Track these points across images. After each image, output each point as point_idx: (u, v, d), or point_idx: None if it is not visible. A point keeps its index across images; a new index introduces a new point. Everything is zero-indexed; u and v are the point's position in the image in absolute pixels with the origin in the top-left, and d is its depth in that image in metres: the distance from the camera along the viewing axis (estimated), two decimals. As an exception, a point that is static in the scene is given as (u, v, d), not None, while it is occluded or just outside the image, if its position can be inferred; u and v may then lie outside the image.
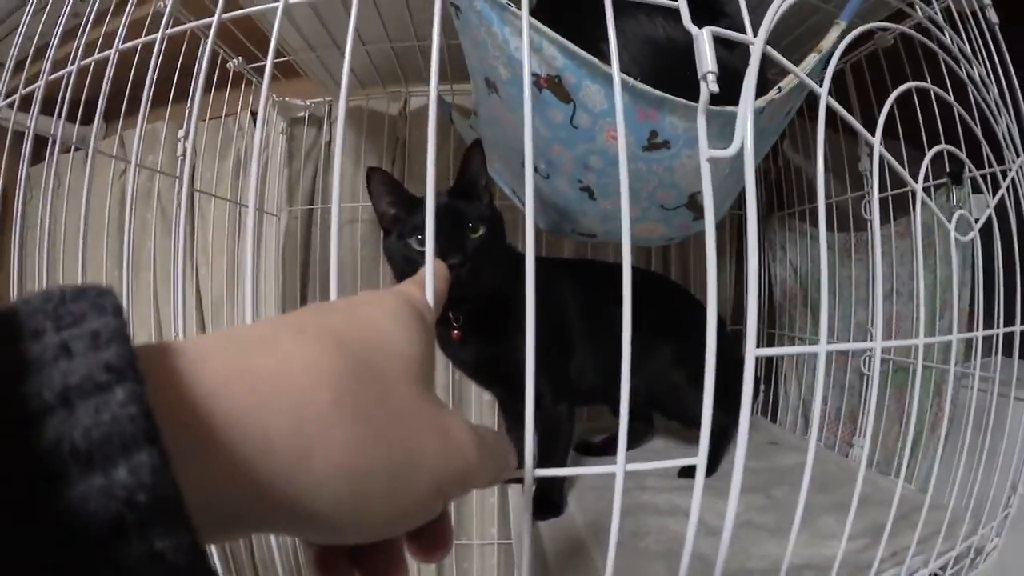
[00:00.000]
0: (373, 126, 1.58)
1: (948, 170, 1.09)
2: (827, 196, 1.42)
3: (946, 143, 0.78)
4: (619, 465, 0.48)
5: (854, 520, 1.00)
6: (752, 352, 0.49)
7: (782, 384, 1.63)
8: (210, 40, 0.62)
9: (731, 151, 0.49)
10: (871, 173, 1.31)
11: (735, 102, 0.71)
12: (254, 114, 1.57)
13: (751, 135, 0.49)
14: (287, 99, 1.56)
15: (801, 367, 1.56)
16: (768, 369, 1.66)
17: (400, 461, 0.28)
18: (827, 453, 1.34)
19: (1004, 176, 0.88)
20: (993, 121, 0.84)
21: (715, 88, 0.48)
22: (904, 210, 1.25)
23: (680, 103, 0.74)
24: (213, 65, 1.22)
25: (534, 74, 0.75)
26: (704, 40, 0.49)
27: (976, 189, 1.01)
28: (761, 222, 1.67)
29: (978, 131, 0.83)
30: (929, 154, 0.66)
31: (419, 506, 0.29)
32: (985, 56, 0.90)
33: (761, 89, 0.71)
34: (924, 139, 1.06)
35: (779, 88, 0.79)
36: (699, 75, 0.49)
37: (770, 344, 1.65)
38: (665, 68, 0.56)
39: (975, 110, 0.83)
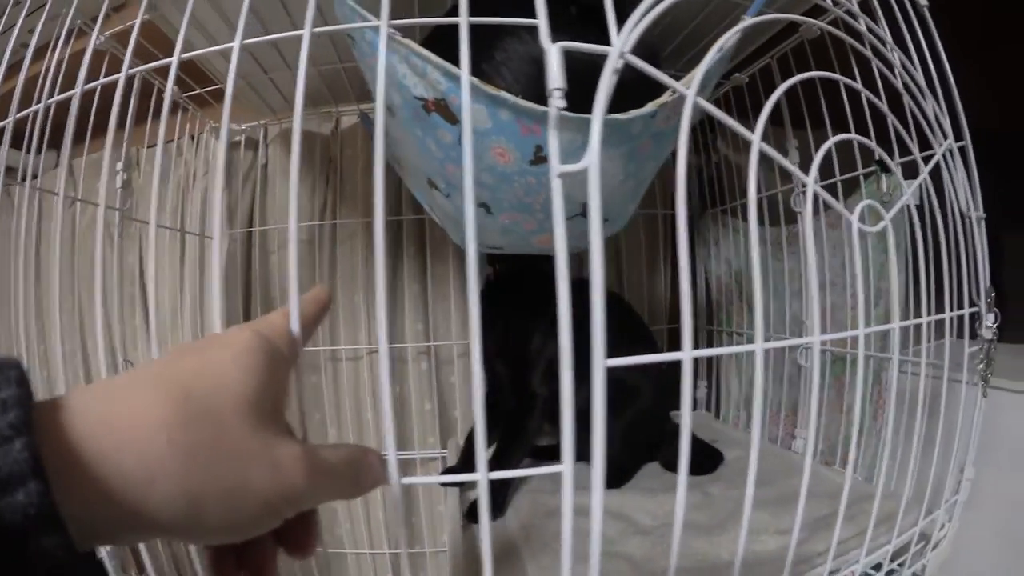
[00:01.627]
0: (306, 146, 1.52)
1: (876, 158, 1.04)
2: (758, 191, 1.38)
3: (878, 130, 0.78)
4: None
5: (792, 512, 0.96)
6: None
7: (723, 379, 1.58)
8: (169, 84, 0.62)
9: (578, 167, 0.45)
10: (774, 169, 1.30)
11: (631, 107, 0.71)
12: (193, 137, 1.51)
13: (597, 152, 0.45)
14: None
15: (741, 362, 1.51)
16: (709, 364, 1.61)
17: (229, 486, 0.33)
18: (769, 447, 1.29)
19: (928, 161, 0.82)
20: (918, 107, 0.79)
21: (562, 103, 0.46)
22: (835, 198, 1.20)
23: (569, 118, 0.67)
24: (150, 95, 1.16)
25: (422, 98, 0.75)
26: (553, 56, 0.46)
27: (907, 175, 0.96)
28: (695, 219, 1.64)
29: (892, 119, 0.79)
30: (822, 149, 0.60)
31: (251, 520, 0.35)
32: (911, 40, 0.86)
33: (652, 94, 0.71)
34: (851, 126, 0.99)
35: (673, 92, 0.72)
36: (547, 91, 0.46)
37: (709, 341, 1.62)
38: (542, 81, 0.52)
39: (905, 97, 0.78)
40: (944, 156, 0.81)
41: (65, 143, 0.73)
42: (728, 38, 0.77)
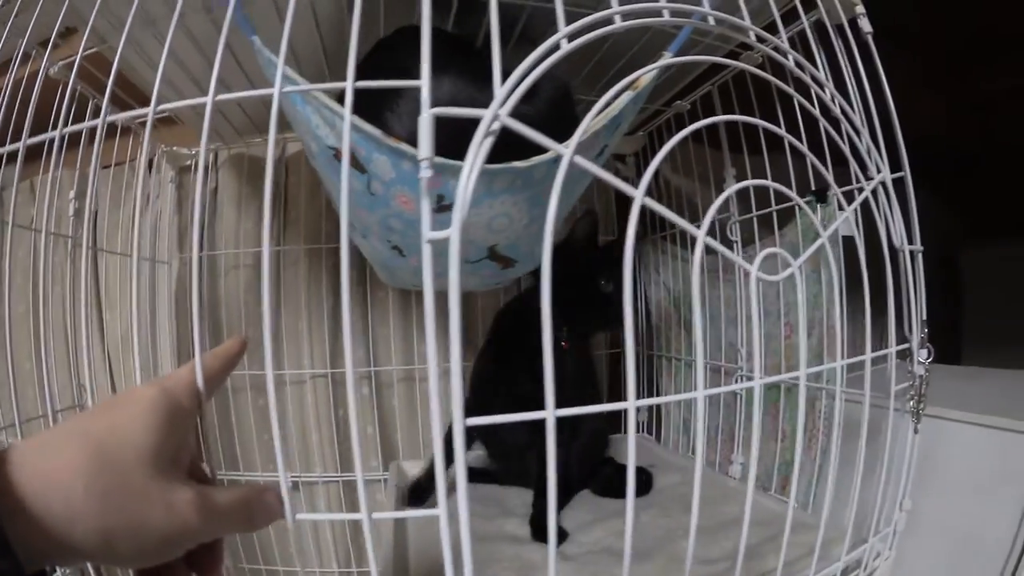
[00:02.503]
0: (254, 172, 1.50)
1: (813, 188, 1.02)
2: (693, 207, 1.36)
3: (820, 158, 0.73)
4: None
5: (719, 542, 0.94)
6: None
7: (663, 406, 1.55)
8: (146, 136, 0.65)
9: (443, 235, 0.46)
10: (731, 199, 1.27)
11: (532, 155, 0.71)
12: (150, 162, 1.49)
13: (459, 224, 0.46)
14: (175, 148, 1.48)
15: (679, 387, 1.49)
16: (648, 387, 1.58)
17: (134, 524, 0.39)
18: (706, 472, 1.27)
19: (872, 192, 0.79)
20: (848, 141, 0.76)
21: (428, 174, 0.47)
22: (769, 229, 1.18)
23: (459, 167, 0.68)
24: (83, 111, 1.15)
25: (332, 147, 0.76)
26: (423, 125, 0.48)
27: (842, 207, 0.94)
28: (634, 246, 1.58)
29: (811, 158, 0.76)
30: (717, 201, 0.57)
31: (155, 550, 0.41)
32: (852, 70, 0.86)
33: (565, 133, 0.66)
34: (788, 154, 0.98)
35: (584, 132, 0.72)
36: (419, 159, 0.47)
37: (649, 364, 1.60)
38: (448, 134, 0.51)
39: (831, 130, 0.76)
40: (876, 189, 0.79)
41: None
42: (641, 74, 0.75)
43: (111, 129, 1.23)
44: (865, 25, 0.86)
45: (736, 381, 1.25)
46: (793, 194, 0.69)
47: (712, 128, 1.21)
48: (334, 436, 1.49)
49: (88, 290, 1.40)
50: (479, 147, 0.47)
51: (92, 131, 0.68)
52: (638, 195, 0.50)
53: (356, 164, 0.75)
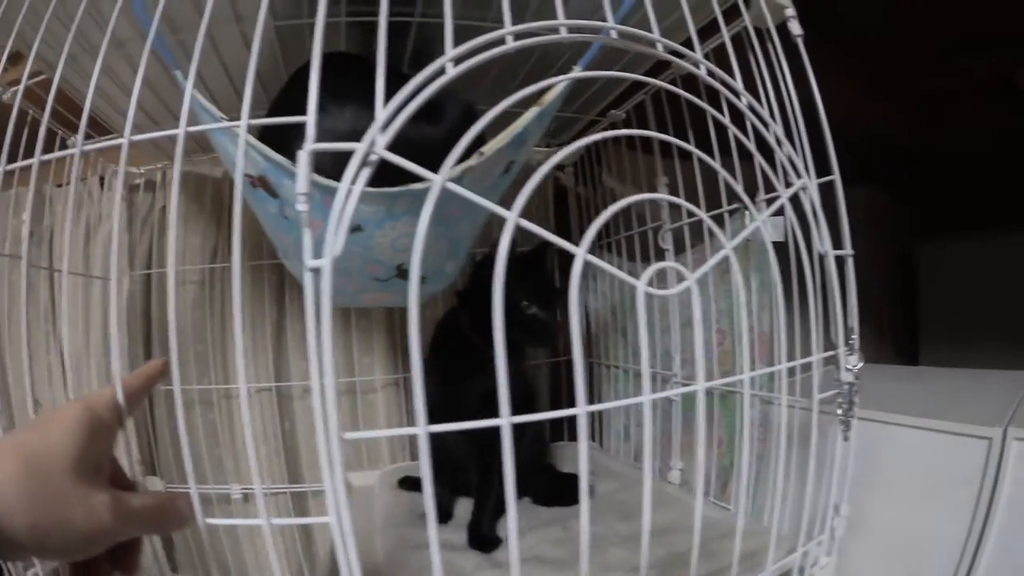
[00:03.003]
0: (198, 189, 1.49)
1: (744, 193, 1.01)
2: (628, 228, 1.35)
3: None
4: None
5: (651, 549, 0.93)
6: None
7: (605, 411, 1.55)
8: (120, 178, 0.71)
9: (319, 263, 0.48)
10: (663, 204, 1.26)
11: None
12: (101, 179, 1.48)
13: (332, 253, 0.49)
14: (125, 168, 1.46)
15: (619, 394, 1.48)
16: (591, 393, 1.56)
17: (59, 522, 0.45)
18: (641, 477, 1.26)
19: (796, 198, 0.78)
20: (777, 147, 0.75)
21: (305, 208, 0.50)
22: (700, 238, 1.17)
23: (366, 192, 0.68)
24: (53, 143, 1.15)
25: (249, 175, 0.79)
26: (301, 162, 0.49)
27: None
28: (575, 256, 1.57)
29: (723, 174, 0.74)
30: (601, 217, 0.56)
31: (78, 546, 0.47)
32: (781, 74, 0.84)
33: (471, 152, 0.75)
34: (718, 160, 0.96)
35: (480, 153, 0.77)
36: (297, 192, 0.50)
37: (589, 372, 1.59)
38: (344, 161, 0.52)
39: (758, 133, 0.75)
40: (800, 196, 0.78)
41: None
42: (556, 93, 0.79)
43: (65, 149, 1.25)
44: (795, 28, 0.85)
45: (672, 388, 1.25)
46: (699, 210, 0.68)
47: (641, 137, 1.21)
48: (280, 448, 1.49)
49: (44, 308, 1.41)
50: (354, 177, 0.49)
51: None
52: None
53: (269, 190, 0.79)
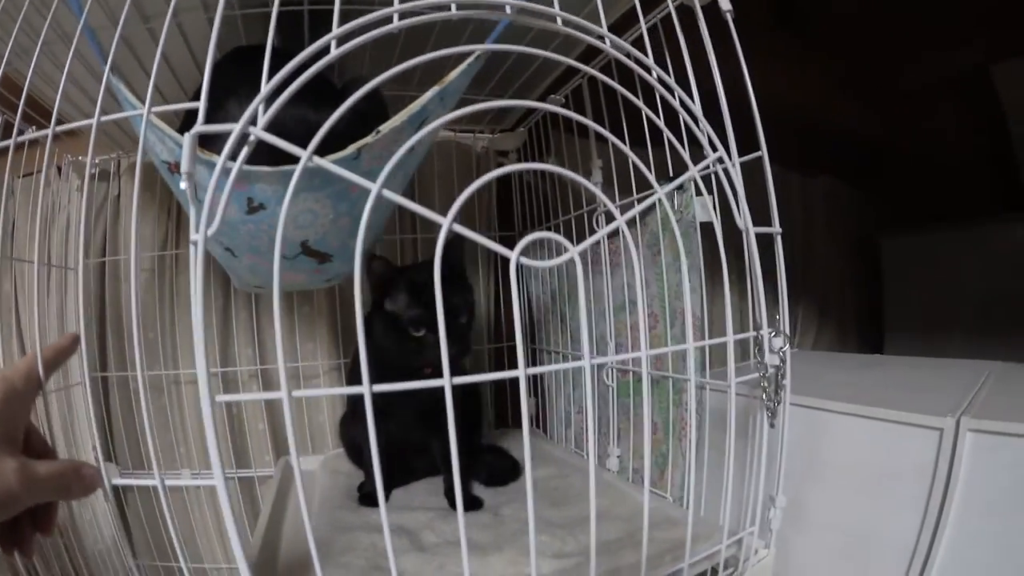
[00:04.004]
0: (149, 179, 1.43)
1: (671, 175, 0.98)
2: (566, 212, 1.32)
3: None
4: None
5: (577, 536, 0.90)
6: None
7: (548, 396, 1.52)
8: (88, 166, 0.75)
9: (195, 237, 0.50)
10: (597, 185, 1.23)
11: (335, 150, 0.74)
12: (59, 168, 1.48)
13: (204, 231, 0.50)
14: (80, 157, 1.46)
15: (560, 381, 1.45)
16: (535, 382, 1.55)
17: None
18: (580, 463, 1.24)
19: (724, 175, 0.77)
20: (693, 123, 0.74)
21: (186, 185, 0.54)
22: (633, 221, 1.14)
23: (262, 172, 0.75)
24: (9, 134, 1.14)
25: (166, 161, 0.81)
26: (185, 144, 0.53)
27: (699, 192, 0.88)
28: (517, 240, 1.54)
29: (634, 161, 0.73)
30: (465, 193, 0.54)
31: None
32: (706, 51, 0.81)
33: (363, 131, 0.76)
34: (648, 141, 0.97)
35: (378, 131, 0.77)
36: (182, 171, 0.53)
37: (533, 359, 1.57)
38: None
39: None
40: (719, 170, 0.76)
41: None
42: (459, 72, 0.80)
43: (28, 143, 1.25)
44: (724, 3, 0.82)
45: (607, 373, 1.22)
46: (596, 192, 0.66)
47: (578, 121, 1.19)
48: (227, 434, 1.46)
49: (7, 298, 1.40)
50: (225, 156, 0.51)
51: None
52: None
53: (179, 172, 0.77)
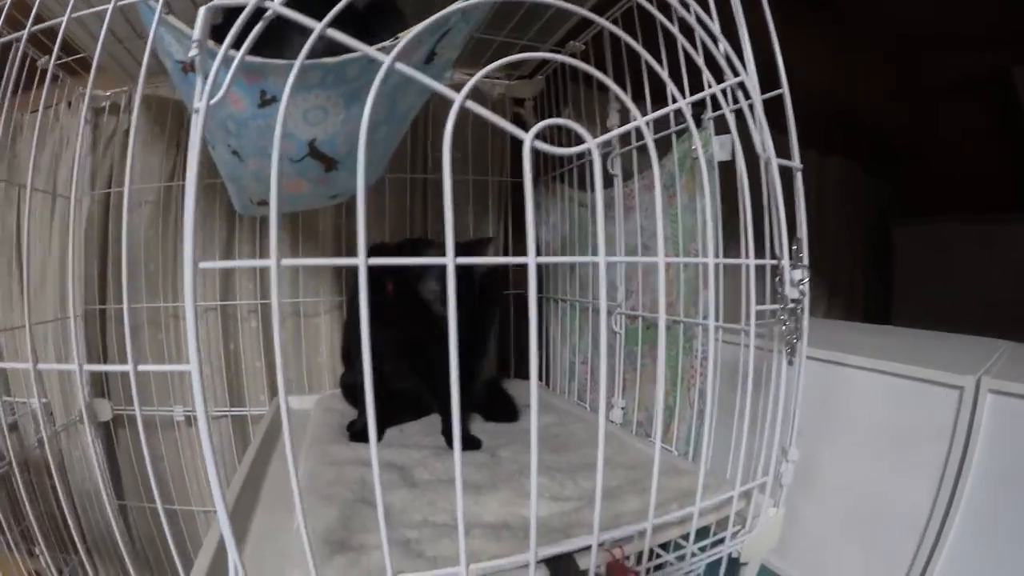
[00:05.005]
0: (160, 112, 1.43)
1: (691, 114, 0.93)
2: (581, 156, 1.26)
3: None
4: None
5: (578, 482, 0.84)
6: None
7: (552, 349, 1.48)
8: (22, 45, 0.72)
9: (197, 106, 0.47)
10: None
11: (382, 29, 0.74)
12: (69, 103, 1.44)
13: (206, 98, 0.47)
14: (92, 91, 1.41)
15: (566, 330, 1.40)
16: (540, 336, 1.50)
17: None
18: (583, 414, 1.18)
19: (739, 113, 0.72)
20: (714, 45, 0.69)
21: (194, 52, 0.48)
22: (648, 164, 1.08)
23: (276, 64, 0.72)
24: (24, 65, 1.10)
25: (181, 61, 0.77)
26: (200, 15, 0.48)
27: (720, 131, 0.86)
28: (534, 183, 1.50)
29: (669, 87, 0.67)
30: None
31: None
32: None
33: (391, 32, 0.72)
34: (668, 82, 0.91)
35: (396, 37, 0.70)
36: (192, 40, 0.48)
37: (541, 306, 1.51)
38: (264, 36, 0.50)
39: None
40: (738, 98, 0.71)
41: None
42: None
43: (41, 76, 1.23)
44: None
45: (616, 319, 1.16)
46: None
47: (600, 68, 1.13)
48: (223, 369, 1.43)
49: (11, 233, 1.36)
50: (238, 30, 0.47)
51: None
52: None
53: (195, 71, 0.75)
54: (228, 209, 1.34)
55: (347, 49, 0.68)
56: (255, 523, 0.84)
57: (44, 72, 1.25)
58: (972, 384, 0.80)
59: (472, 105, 0.47)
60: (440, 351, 0.48)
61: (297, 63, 0.47)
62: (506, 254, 1.56)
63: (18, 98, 0.96)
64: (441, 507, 0.80)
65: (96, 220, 1.44)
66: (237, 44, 0.47)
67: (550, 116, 1.43)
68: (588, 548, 0.61)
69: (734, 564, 0.79)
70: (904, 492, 0.88)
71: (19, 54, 0.80)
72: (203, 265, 0.46)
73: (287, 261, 0.46)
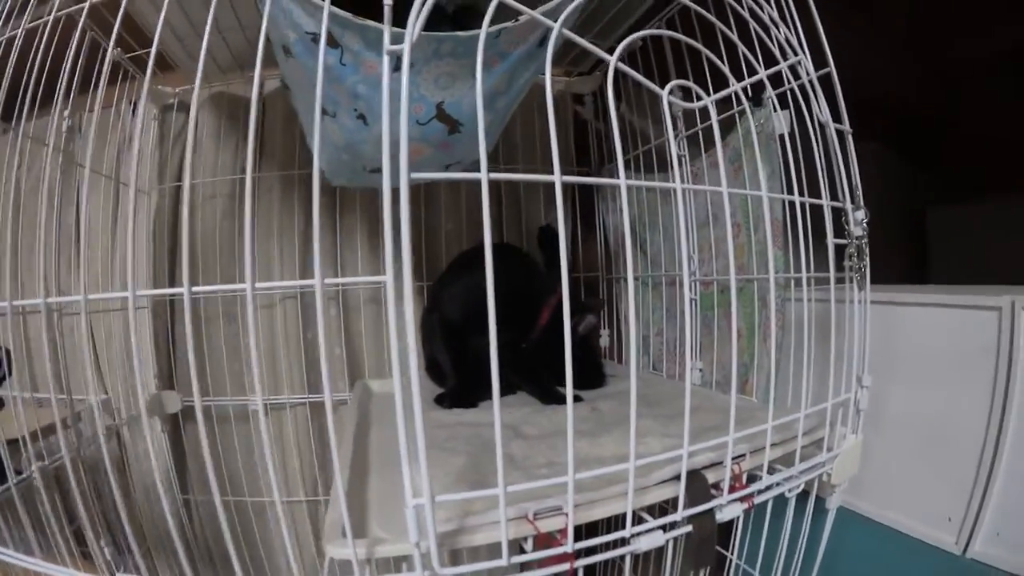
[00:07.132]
0: (233, 109, 1.57)
1: (749, 94, 1.09)
2: (646, 141, 1.42)
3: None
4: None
5: (679, 423, 0.96)
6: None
7: (624, 328, 1.61)
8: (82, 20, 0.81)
9: (398, 48, 0.53)
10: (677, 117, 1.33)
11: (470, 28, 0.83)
12: (134, 105, 1.53)
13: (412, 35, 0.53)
14: (159, 87, 1.56)
15: (638, 304, 1.53)
16: (609, 309, 1.65)
17: None
18: (663, 379, 1.32)
19: (795, 92, 0.90)
20: (775, 29, 0.84)
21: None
22: (713, 142, 1.23)
23: (439, 36, 0.82)
24: (94, 56, 1.21)
25: (311, 32, 0.86)
26: None
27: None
28: (593, 176, 1.68)
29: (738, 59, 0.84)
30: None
31: None
32: None
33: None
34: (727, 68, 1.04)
35: (517, 19, 0.82)
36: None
37: (608, 288, 1.67)
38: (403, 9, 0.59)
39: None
40: (801, 74, 0.85)
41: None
42: None
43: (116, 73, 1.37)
44: None
45: (691, 286, 1.29)
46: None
47: (662, 67, 1.30)
48: (302, 358, 1.54)
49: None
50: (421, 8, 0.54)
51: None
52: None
53: (331, 41, 0.84)
54: (306, 201, 1.49)
55: (477, 25, 0.81)
56: (371, 485, 0.89)
57: (117, 65, 1.39)
58: (1008, 304, 0.92)
59: (624, 68, 0.59)
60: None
61: (482, 33, 0.56)
62: (575, 242, 1.70)
63: (101, 93, 1.01)
64: (562, 449, 0.85)
65: (165, 213, 1.57)
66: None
67: (605, 112, 1.60)
68: (713, 465, 0.78)
69: (818, 504, 0.95)
70: (961, 413, 0.98)
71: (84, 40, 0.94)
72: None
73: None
